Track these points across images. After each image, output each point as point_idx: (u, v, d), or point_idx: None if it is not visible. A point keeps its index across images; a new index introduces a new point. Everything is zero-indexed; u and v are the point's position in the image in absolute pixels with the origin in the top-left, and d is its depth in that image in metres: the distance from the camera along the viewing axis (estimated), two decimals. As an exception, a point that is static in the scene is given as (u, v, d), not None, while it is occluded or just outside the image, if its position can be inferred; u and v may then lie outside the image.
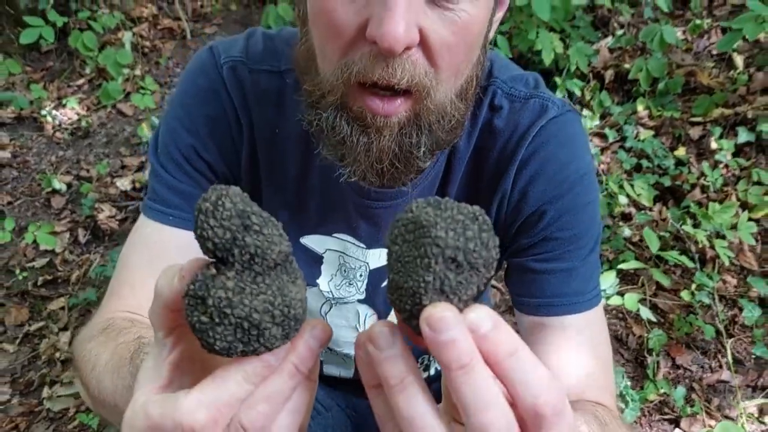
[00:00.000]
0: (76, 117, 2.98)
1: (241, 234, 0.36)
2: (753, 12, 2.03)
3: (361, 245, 0.90)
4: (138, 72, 3.10)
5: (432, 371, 1.08)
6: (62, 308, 2.25)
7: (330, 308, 0.95)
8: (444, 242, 0.35)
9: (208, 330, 0.36)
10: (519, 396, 0.36)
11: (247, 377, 0.40)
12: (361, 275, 0.93)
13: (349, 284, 0.93)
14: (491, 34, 0.74)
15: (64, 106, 3.02)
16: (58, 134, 2.96)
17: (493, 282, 1.97)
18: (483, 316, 0.37)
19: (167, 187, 0.82)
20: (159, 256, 0.82)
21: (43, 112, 2.96)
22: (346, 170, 0.71)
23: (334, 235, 0.89)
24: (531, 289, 0.83)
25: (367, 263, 0.91)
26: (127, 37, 3.15)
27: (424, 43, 0.62)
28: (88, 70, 3.20)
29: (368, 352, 0.38)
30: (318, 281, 0.92)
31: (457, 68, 0.66)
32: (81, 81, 3.18)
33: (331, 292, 0.93)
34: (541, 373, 0.37)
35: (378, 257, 0.91)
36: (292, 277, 0.39)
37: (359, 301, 0.94)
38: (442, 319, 0.35)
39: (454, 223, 0.36)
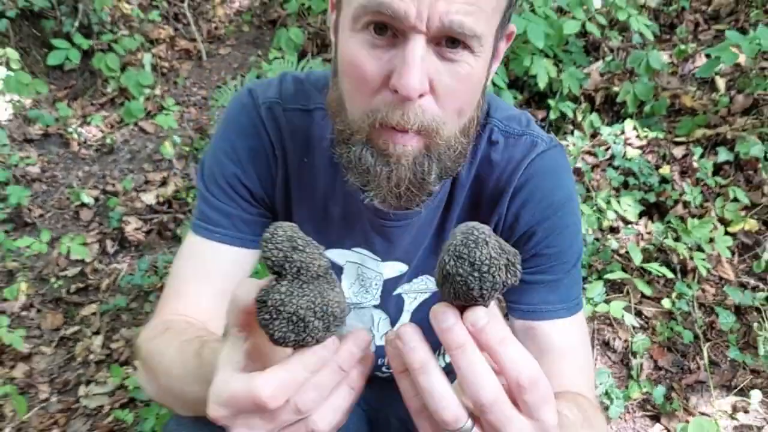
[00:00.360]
0: (100, 134, 3.17)
1: (290, 253, 0.51)
2: (730, 40, 2.21)
3: (377, 258, 1.00)
4: (158, 91, 3.28)
5: (442, 363, 1.24)
6: (94, 314, 2.42)
7: (349, 312, 1.11)
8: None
9: (269, 324, 0.50)
10: (505, 370, 0.49)
11: (305, 366, 0.51)
12: (375, 284, 1.03)
13: (366, 291, 1.04)
14: (489, 82, 0.85)
15: (88, 123, 3.20)
16: (83, 150, 3.14)
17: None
18: (480, 315, 0.49)
19: (214, 209, 0.94)
20: (206, 267, 0.94)
21: (70, 130, 3.14)
22: (370, 194, 0.82)
23: (353, 249, 1.00)
24: (522, 297, 0.93)
25: (381, 274, 1.02)
26: (147, 58, 3.34)
27: (433, 90, 0.73)
28: (109, 89, 3.38)
29: (397, 346, 0.52)
30: None
31: (460, 110, 0.77)
32: (104, 99, 3.36)
33: (350, 298, 1.04)
34: (521, 353, 0.49)
35: (390, 269, 1.01)
36: (332, 285, 0.54)
37: (374, 306, 1.05)
38: (444, 313, 0.50)
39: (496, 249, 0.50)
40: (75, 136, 3.14)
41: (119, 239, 2.66)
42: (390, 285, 1.02)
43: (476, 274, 0.48)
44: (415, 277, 1.03)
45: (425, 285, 1.04)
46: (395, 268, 1.00)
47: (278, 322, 0.50)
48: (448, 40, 0.71)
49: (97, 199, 2.86)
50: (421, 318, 1.03)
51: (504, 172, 0.92)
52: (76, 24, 3.32)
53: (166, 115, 2.73)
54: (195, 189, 2.70)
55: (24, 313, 2.46)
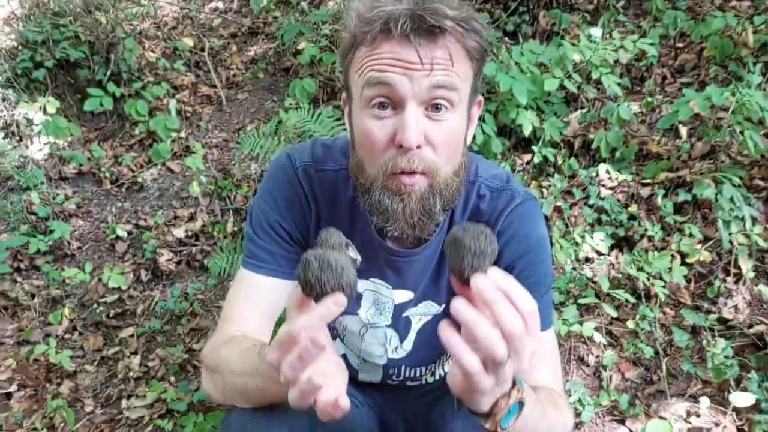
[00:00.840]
0: (130, 173, 3.49)
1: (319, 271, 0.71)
2: (686, 97, 2.56)
3: (389, 287, 1.18)
4: (183, 134, 3.61)
5: (437, 376, 1.38)
6: (131, 336, 2.70)
7: (366, 331, 1.24)
8: (469, 245, 0.71)
9: (306, 276, 0.71)
10: (501, 323, 0.67)
11: (319, 313, 0.70)
12: (388, 308, 1.20)
13: (380, 314, 1.21)
14: (469, 138, 1.06)
15: (120, 163, 3.52)
16: (115, 188, 3.46)
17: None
18: (487, 283, 0.69)
19: (259, 248, 1.14)
20: (253, 296, 1.13)
21: (103, 169, 3.47)
22: (390, 228, 1.01)
23: (371, 279, 1.18)
24: None
25: (393, 299, 1.19)
26: (172, 104, 3.67)
27: (429, 143, 0.94)
28: (137, 132, 3.71)
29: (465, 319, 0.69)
30: (359, 311, 1.22)
31: (450, 156, 0.97)
32: (132, 141, 3.68)
33: (367, 319, 1.22)
34: (513, 313, 0.67)
35: (400, 295, 1.19)
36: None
37: (386, 326, 1.23)
38: (478, 282, 0.69)
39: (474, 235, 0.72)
40: (107, 175, 3.46)
41: (152, 269, 2.96)
42: (399, 309, 1.21)
43: (471, 253, 0.70)
44: (421, 303, 1.21)
45: (428, 309, 1.22)
46: (404, 295, 1.19)
47: (311, 273, 0.70)
48: (434, 107, 0.93)
49: (130, 233, 3.17)
50: (425, 335, 1.24)
51: (490, 218, 1.12)
52: (108, 73, 3.67)
53: (194, 158, 3.06)
54: (220, 224, 3.04)
55: (67, 336, 2.75)
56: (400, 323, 1.23)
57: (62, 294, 2.86)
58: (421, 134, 0.91)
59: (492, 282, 0.69)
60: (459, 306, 0.68)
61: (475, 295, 0.69)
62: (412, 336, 1.25)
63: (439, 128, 0.93)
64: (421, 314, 1.23)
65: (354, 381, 1.38)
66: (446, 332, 0.69)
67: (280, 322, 1.00)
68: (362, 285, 1.19)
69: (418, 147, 0.92)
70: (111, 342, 2.69)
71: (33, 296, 2.86)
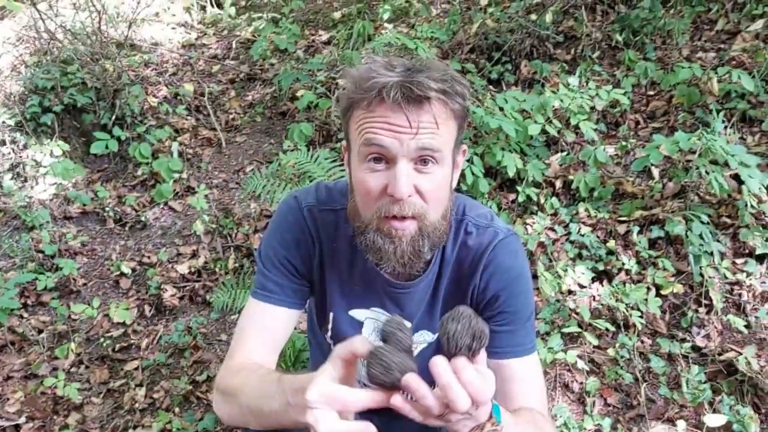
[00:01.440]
0: (134, 212, 3.64)
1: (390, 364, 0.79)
2: (656, 142, 2.77)
3: (387, 315, 1.27)
4: (184, 175, 3.78)
5: None
6: (136, 368, 2.80)
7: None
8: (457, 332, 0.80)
9: (372, 366, 0.79)
10: (472, 394, 0.77)
11: (372, 399, 0.81)
12: None
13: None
14: (454, 182, 1.16)
15: (123, 203, 3.67)
16: (118, 227, 3.60)
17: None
18: (463, 363, 0.78)
19: (269, 280, 1.24)
20: (262, 325, 1.23)
21: (107, 209, 3.62)
22: (383, 265, 1.12)
23: (371, 308, 1.28)
24: (491, 342, 1.09)
25: None
26: (174, 146, 3.85)
27: (418, 192, 1.04)
28: (140, 172, 3.87)
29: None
30: None
31: (438, 202, 1.07)
32: (135, 182, 3.84)
33: None
34: (480, 387, 0.77)
35: None
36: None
37: None
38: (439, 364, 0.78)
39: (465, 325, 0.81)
40: (111, 214, 3.61)
41: (156, 304, 3.09)
42: None
43: (447, 339, 0.79)
44: (416, 332, 1.30)
45: (423, 338, 1.31)
46: None
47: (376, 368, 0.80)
48: (421, 161, 1.03)
49: (134, 270, 3.30)
50: (420, 361, 1.37)
51: (476, 253, 1.21)
52: (113, 117, 3.85)
53: (196, 196, 3.22)
54: (221, 261, 3.18)
55: (74, 369, 2.85)
56: None
57: (69, 329, 2.97)
58: (411, 186, 1.02)
59: (449, 368, 0.79)
60: (437, 366, 0.80)
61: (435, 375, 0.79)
62: None
63: (426, 179, 1.04)
64: (417, 343, 1.31)
65: None
66: (438, 367, 0.80)
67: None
68: (363, 313, 1.29)
69: (409, 196, 1.03)
70: (116, 375, 2.79)
71: (40, 331, 2.97)
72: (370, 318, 1.30)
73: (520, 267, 1.24)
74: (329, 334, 1.35)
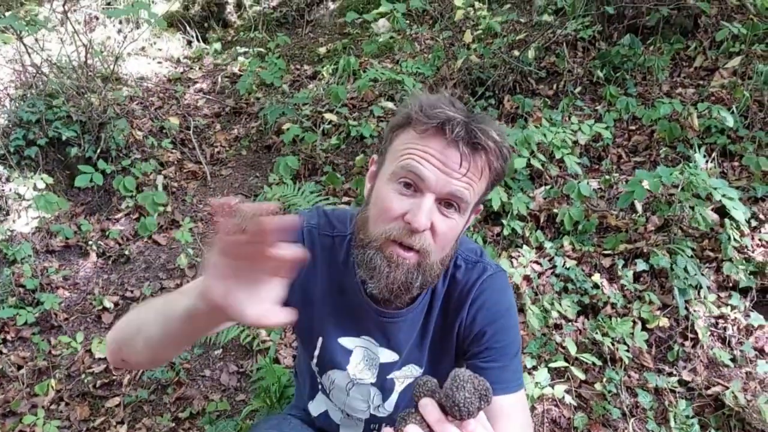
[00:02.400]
0: (117, 246, 3.61)
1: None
2: (639, 177, 2.81)
3: (376, 344, 1.28)
4: (169, 208, 3.76)
5: None
6: (118, 405, 2.75)
7: (352, 386, 1.32)
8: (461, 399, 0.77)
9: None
10: None
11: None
12: (375, 364, 1.29)
13: (368, 370, 1.29)
14: (462, 234, 1.17)
15: (107, 237, 3.64)
16: (101, 261, 3.56)
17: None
18: (474, 425, 0.76)
19: None
20: None
21: (90, 242, 3.58)
22: (371, 285, 1.11)
23: (362, 336, 1.28)
24: None
25: (379, 357, 1.28)
26: (159, 179, 3.84)
27: (432, 230, 1.06)
28: (123, 206, 3.84)
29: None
30: (347, 367, 1.30)
31: (444, 247, 1.10)
32: (119, 215, 3.82)
33: (354, 375, 1.29)
34: None
35: (385, 355, 1.28)
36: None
37: (371, 384, 1.31)
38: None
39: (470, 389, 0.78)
40: (94, 248, 3.57)
41: (138, 339, 3.04)
42: (385, 369, 1.30)
43: (458, 408, 0.77)
44: (404, 366, 1.30)
45: (410, 372, 1.31)
46: (390, 356, 1.29)
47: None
48: (447, 203, 1.06)
49: (117, 304, 3.25)
50: (407, 396, 1.33)
51: (464, 288, 1.23)
52: (98, 150, 3.83)
53: (181, 230, 3.20)
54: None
55: (53, 407, 2.79)
56: (384, 383, 1.32)
57: (49, 365, 2.91)
58: (429, 221, 1.05)
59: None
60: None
61: None
62: (394, 398, 1.34)
63: (444, 222, 1.07)
64: (404, 377, 1.32)
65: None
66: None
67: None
68: (353, 341, 1.29)
69: (424, 230, 1.06)
70: (97, 412, 2.73)
71: (20, 367, 2.90)
72: (360, 346, 1.30)
73: (507, 303, 1.26)
74: (315, 361, 1.34)
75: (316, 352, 1.32)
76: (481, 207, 1.22)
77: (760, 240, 2.81)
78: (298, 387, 1.60)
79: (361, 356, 1.30)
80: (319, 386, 1.40)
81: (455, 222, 1.08)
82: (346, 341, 1.30)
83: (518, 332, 1.28)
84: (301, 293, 1.26)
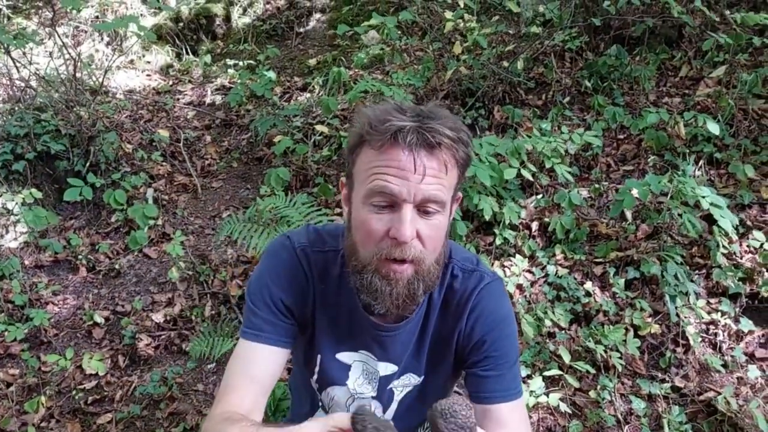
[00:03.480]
0: (107, 260, 3.58)
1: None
2: (628, 185, 2.84)
3: (375, 359, 1.28)
4: (159, 221, 3.75)
5: None
6: (110, 422, 2.73)
7: (353, 401, 1.32)
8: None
9: None
10: None
11: None
12: (374, 378, 1.30)
13: (368, 384, 1.30)
14: (449, 228, 1.16)
15: (97, 251, 3.61)
16: (91, 275, 3.54)
17: (458, 389, 2.58)
18: None
19: (260, 319, 1.22)
20: (252, 366, 1.21)
21: (80, 257, 3.56)
22: (377, 306, 1.12)
23: (360, 351, 1.28)
24: (478, 387, 1.21)
25: (378, 371, 1.29)
26: (149, 192, 3.82)
27: (419, 237, 1.06)
28: (113, 219, 3.82)
29: None
30: (347, 382, 1.30)
31: (435, 248, 1.10)
32: (109, 229, 3.80)
33: (354, 389, 1.30)
34: None
35: (384, 368, 1.28)
36: None
37: (372, 397, 1.31)
38: None
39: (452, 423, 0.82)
40: (84, 262, 3.54)
41: (130, 354, 3.02)
42: (384, 381, 1.30)
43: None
44: (403, 375, 1.30)
45: (409, 381, 1.31)
46: (388, 368, 1.29)
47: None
48: (425, 207, 1.05)
49: (107, 319, 3.22)
50: (406, 404, 1.34)
51: (462, 296, 1.23)
52: (88, 164, 3.82)
53: (173, 243, 3.19)
54: (198, 308, 3.14)
55: (44, 424, 2.75)
56: (384, 395, 1.32)
57: (39, 382, 2.88)
58: (414, 230, 1.05)
59: None
60: None
61: None
62: (394, 406, 1.34)
63: (427, 225, 1.07)
64: (403, 386, 1.32)
65: None
66: None
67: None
68: (351, 356, 1.30)
69: (410, 240, 1.06)
70: (89, 429, 2.70)
71: (9, 385, 2.87)
72: (358, 361, 1.30)
73: (505, 311, 1.26)
74: (315, 377, 1.34)
75: (317, 369, 1.32)
76: (460, 195, 1.23)
77: (748, 246, 2.85)
78: (293, 404, 1.59)
79: (360, 371, 1.31)
80: (319, 403, 1.40)
81: (438, 221, 1.08)
82: (344, 356, 1.30)
83: (516, 340, 1.28)
84: (300, 314, 1.26)
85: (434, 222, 1.07)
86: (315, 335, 1.29)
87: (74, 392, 2.82)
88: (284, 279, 1.24)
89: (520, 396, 1.23)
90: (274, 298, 1.23)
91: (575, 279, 2.89)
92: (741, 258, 2.82)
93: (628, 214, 3.12)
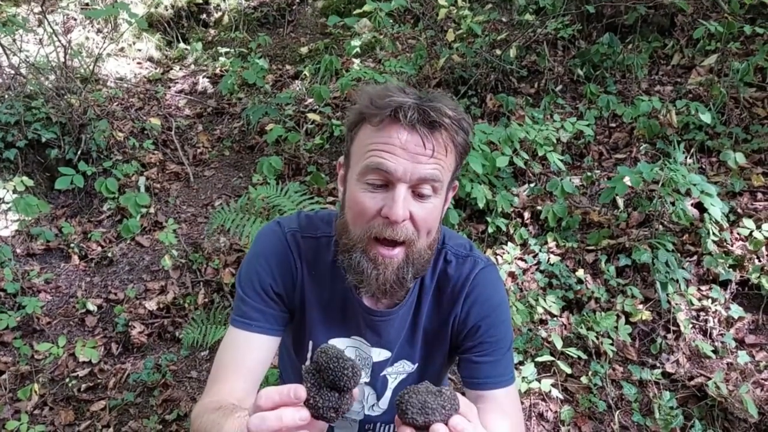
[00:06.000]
0: (99, 248, 3.57)
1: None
2: (621, 173, 2.85)
3: (367, 344, 1.27)
4: (152, 210, 3.73)
5: None
6: (103, 409, 2.72)
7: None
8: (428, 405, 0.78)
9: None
10: None
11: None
12: (368, 364, 1.29)
13: (362, 369, 1.26)
14: (443, 214, 1.16)
15: (89, 239, 3.60)
16: (84, 263, 3.53)
17: (450, 375, 2.59)
18: (458, 420, 0.76)
19: (250, 307, 1.21)
20: (243, 354, 1.20)
21: (72, 245, 3.54)
22: (362, 288, 1.13)
23: (352, 337, 1.28)
24: (472, 373, 1.22)
25: (371, 357, 1.28)
26: (141, 181, 3.81)
27: (411, 218, 1.05)
28: (105, 208, 3.81)
29: None
30: None
31: (428, 231, 1.09)
32: (101, 217, 3.78)
33: None
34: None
35: (377, 354, 1.28)
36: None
37: (365, 383, 1.31)
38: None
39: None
40: (76, 250, 3.53)
41: (123, 342, 3.02)
42: (377, 367, 1.30)
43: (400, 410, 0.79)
44: (396, 362, 1.30)
45: (403, 368, 1.31)
46: (382, 354, 1.29)
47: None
48: (420, 189, 1.04)
49: (100, 307, 3.22)
50: (401, 389, 1.31)
51: (457, 282, 1.23)
52: (79, 152, 3.79)
53: (166, 231, 3.18)
54: (191, 296, 3.13)
55: (37, 412, 2.76)
56: (378, 382, 1.32)
57: (32, 369, 2.88)
58: (407, 211, 1.04)
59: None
60: None
61: None
62: (388, 394, 1.34)
63: (421, 208, 1.06)
64: (396, 373, 1.31)
65: None
66: None
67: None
68: (344, 342, 1.29)
69: (403, 221, 1.05)
70: (82, 416, 2.70)
71: (2, 372, 2.86)
72: (351, 347, 1.30)
73: (500, 297, 1.26)
74: (307, 363, 1.32)
75: (309, 354, 1.31)
76: (457, 184, 1.20)
77: (738, 234, 2.87)
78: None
79: (353, 357, 1.28)
80: None
81: (433, 205, 1.07)
82: (337, 342, 1.29)
83: (510, 326, 1.28)
84: (289, 300, 1.26)
85: (428, 205, 1.06)
86: (305, 321, 1.28)
87: (67, 380, 2.82)
88: (273, 265, 1.23)
89: (513, 382, 1.24)
90: (264, 285, 1.22)
91: (567, 266, 2.91)
92: (731, 245, 2.85)
93: (620, 202, 3.13)
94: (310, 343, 1.30)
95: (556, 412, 2.44)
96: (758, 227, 2.75)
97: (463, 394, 1.22)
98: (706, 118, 3.14)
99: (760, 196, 3.06)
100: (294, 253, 1.23)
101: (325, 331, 1.28)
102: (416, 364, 1.32)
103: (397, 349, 1.29)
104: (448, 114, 1.04)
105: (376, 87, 1.09)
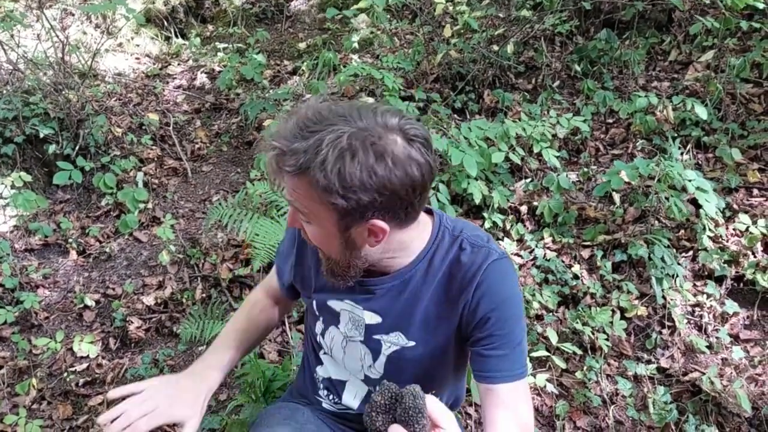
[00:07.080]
0: (98, 244, 3.58)
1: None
2: (617, 168, 2.86)
3: (359, 307, 1.32)
4: (150, 205, 3.74)
5: None
6: (101, 404, 2.75)
7: (346, 344, 1.39)
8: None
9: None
10: None
11: None
12: (361, 325, 1.34)
13: (356, 329, 1.35)
14: (364, 249, 1.18)
15: (87, 234, 3.61)
16: (82, 259, 3.53)
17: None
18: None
19: (279, 268, 1.53)
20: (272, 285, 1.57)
21: (70, 240, 3.55)
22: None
23: (344, 300, 1.34)
24: (482, 366, 1.21)
25: (363, 318, 1.33)
26: (139, 176, 3.81)
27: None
28: (103, 203, 3.81)
29: None
30: (339, 326, 1.38)
31: (322, 247, 1.21)
32: (99, 212, 3.79)
33: (345, 332, 1.37)
34: None
35: (369, 317, 1.32)
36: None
37: (360, 341, 1.36)
38: None
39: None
40: (74, 245, 3.54)
41: (121, 337, 3.03)
42: (370, 329, 1.34)
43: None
44: (391, 332, 1.32)
45: (397, 340, 1.32)
46: (373, 318, 1.32)
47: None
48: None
49: (98, 302, 3.23)
50: (396, 364, 1.35)
51: (470, 270, 1.22)
52: (77, 148, 3.80)
53: (163, 227, 3.19)
54: (188, 291, 3.15)
55: (35, 406, 2.77)
56: (372, 342, 1.35)
57: (30, 364, 2.89)
58: (293, 222, 1.20)
59: None
60: None
61: None
62: (382, 360, 1.36)
63: (306, 227, 1.18)
64: (390, 342, 1.33)
65: (335, 415, 1.54)
66: None
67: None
68: (339, 305, 1.37)
69: (290, 226, 1.25)
70: (80, 411, 2.72)
71: (0, 367, 2.88)
72: (345, 309, 1.37)
73: (511, 290, 1.25)
74: (320, 320, 1.46)
75: (317, 312, 1.44)
76: (374, 223, 1.09)
77: (734, 230, 2.88)
78: (303, 370, 1.65)
79: (348, 317, 1.37)
80: (323, 347, 1.48)
81: (310, 230, 1.17)
82: (334, 303, 1.38)
83: (522, 321, 1.26)
84: (299, 263, 1.44)
85: (308, 228, 1.17)
86: (312, 284, 1.42)
87: (65, 374, 2.83)
88: (285, 249, 1.50)
89: (523, 377, 1.23)
90: (279, 271, 1.53)
91: (563, 262, 2.92)
92: (727, 241, 2.86)
93: (616, 198, 3.14)
94: (314, 303, 1.43)
95: (551, 406, 2.46)
96: (754, 223, 2.77)
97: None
98: (702, 114, 3.14)
99: (755, 192, 3.07)
100: (297, 233, 1.42)
101: (325, 293, 1.39)
102: (414, 343, 1.33)
103: (391, 319, 1.31)
104: (289, 163, 1.04)
105: (288, 119, 1.12)
